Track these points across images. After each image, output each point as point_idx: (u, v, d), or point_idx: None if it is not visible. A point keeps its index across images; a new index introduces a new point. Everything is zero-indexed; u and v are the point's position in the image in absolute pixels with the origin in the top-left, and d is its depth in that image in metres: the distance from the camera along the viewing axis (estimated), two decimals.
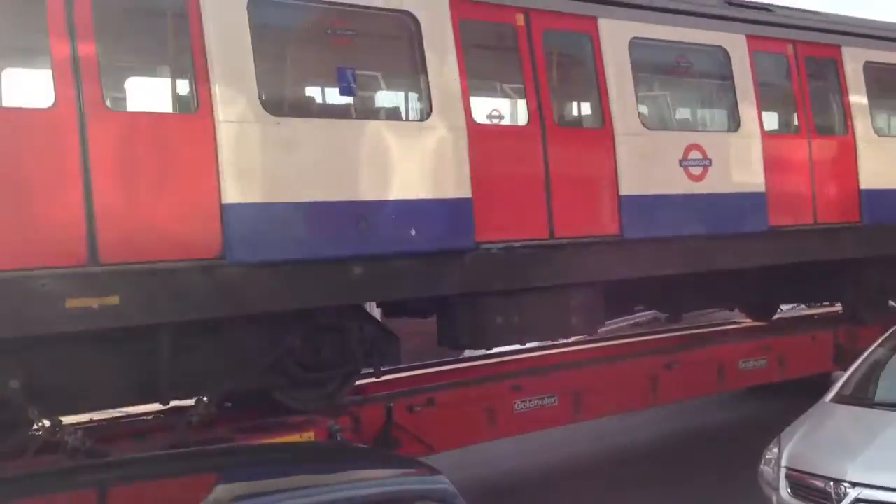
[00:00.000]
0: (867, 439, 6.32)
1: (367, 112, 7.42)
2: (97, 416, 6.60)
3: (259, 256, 6.16)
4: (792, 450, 6.33)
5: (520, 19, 7.78)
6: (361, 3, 6.78)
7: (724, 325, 11.63)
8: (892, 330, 7.51)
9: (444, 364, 8.94)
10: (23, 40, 6.16)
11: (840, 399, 6.94)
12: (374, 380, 7.58)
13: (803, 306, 13.22)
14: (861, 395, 6.92)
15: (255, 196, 6.15)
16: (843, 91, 10.11)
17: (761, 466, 6.56)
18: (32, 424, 5.83)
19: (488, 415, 7.75)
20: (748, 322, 11.74)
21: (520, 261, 7.45)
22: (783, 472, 6.26)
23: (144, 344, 6.02)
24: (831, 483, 5.88)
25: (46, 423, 5.75)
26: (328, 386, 7.08)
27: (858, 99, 10.16)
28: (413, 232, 6.78)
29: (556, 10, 8.02)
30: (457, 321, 7.57)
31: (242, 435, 6.35)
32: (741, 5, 9.59)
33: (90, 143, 5.56)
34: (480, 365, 8.93)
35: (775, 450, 6.47)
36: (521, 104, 7.87)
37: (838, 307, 11.74)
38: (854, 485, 5.77)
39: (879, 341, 7.47)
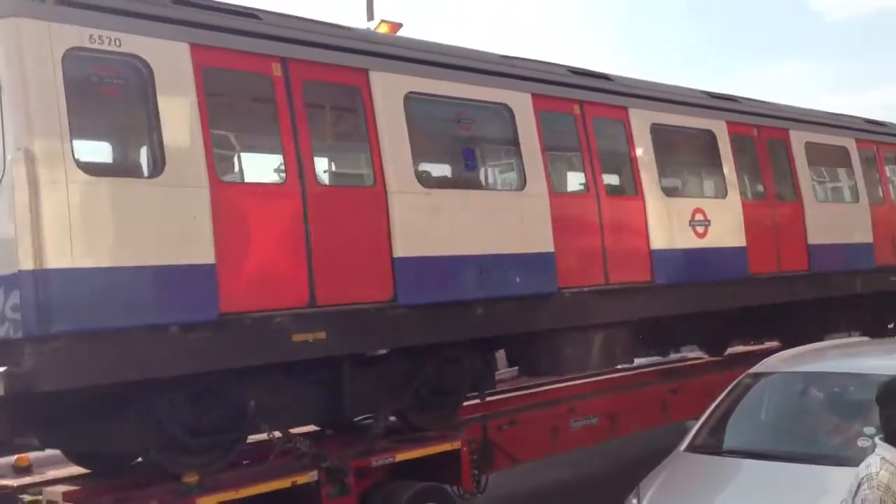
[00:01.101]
0: (718, 487, 6.49)
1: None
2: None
3: (420, 300, 7.64)
4: (650, 500, 6.34)
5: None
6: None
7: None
8: (739, 378, 7.60)
9: (511, 391, 10.61)
10: (261, 137, 7.98)
11: (693, 448, 6.97)
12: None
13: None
14: (712, 444, 6.99)
15: (416, 251, 7.61)
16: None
17: None
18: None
19: (552, 432, 9.51)
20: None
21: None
22: None
23: (329, 373, 7.46)
24: None
25: (277, 433, 7.06)
26: (445, 408, 8.53)
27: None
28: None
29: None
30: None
31: (402, 446, 7.88)
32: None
33: (309, 211, 7.00)
34: (542, 391, 10.70)
35: (634, 500, 6.45)
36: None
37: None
38: None
39: (727, 390, 7.55)
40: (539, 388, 10.81)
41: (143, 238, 6.19)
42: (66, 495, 6.83)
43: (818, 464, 6.25)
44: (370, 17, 14.84)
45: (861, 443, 6.18)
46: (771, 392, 7.56)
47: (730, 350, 14.13)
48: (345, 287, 7.26)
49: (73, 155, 5.96)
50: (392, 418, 8.27)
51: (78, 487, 7.03)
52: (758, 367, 7.75)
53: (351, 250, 7.33)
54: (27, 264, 5.67)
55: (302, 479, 6.82)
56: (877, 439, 3.97)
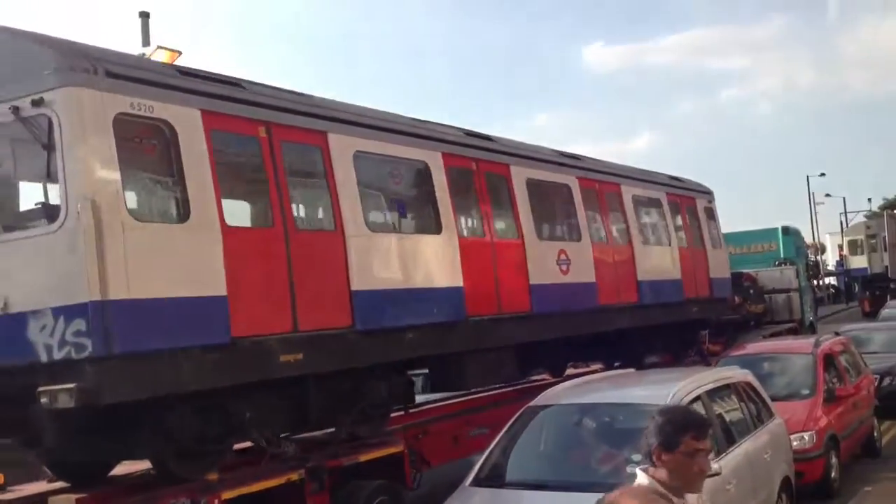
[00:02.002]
0: None
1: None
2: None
3: (371, 325, 9.13)
4: None
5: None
6: None
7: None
8: (521, 411, 7.98)
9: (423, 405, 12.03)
10: (252, 188, 9.05)
11: (477, 482, 7.20)
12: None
13: None
14: (495, 476, 7.25)
15: (369, 285, 9.12)
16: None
17: None
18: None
19: (454, 440, 10.97)
20: None
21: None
22: None
23: (298, 388, 8.70)
24: None
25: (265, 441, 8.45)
26: (378, 420, 9.95)
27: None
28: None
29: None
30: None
31: (359, 450, 9.38)
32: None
33: (291, 251, 8.35)
34: (445, 405, 12.20)
35: None
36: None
37: None
38: None
39: (510, 423, 7.89)
40: (444, 402, 12.36)
41: (177, 274, 7.36)
42: (79, 501, 7.74)
43: (591, 491, 6.37)
44: (146, 42, 14.89)
45: (630, 469, 6.41)
46: (549, 423, 7.92)
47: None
48: (316, 315, 8.64)
49: (125, 204, 7.07)
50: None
51: (84, 495, 7.90)
52: (537, 400, 8.14)
53: (318, 282, 8.73)
54: (94, 296, 6.71)
55: (294, 477, 8.14)
56: (638, 469, 3.78)
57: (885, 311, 25.62)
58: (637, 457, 6.41)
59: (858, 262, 55.17)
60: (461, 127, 12.02)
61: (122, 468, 8.97)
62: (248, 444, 8.77)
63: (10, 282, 7.05)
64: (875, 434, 13.28)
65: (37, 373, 6.93)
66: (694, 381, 8.08)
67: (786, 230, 27.48)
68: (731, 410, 8.58)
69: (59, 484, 8.62)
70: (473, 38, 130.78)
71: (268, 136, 8.55)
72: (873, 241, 52.73)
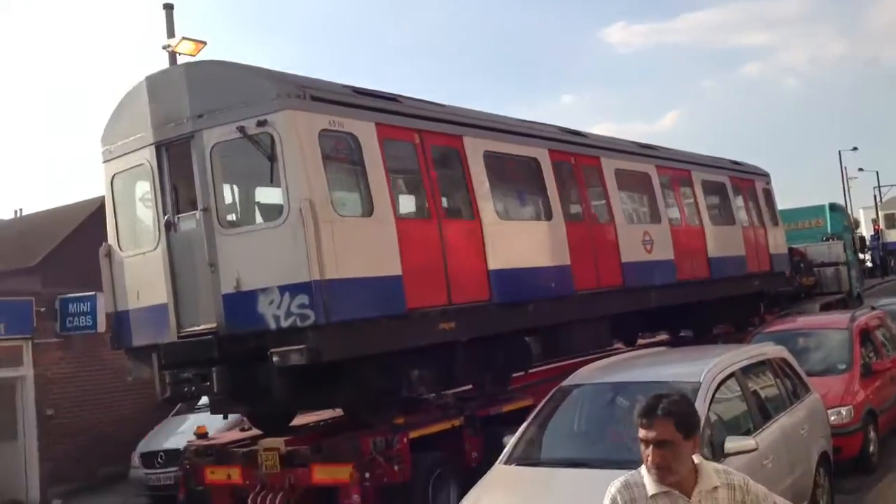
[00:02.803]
0: (534, 496, 6.74)
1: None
2: None
3: (508, 298, 10.81)
4: None
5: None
6: None
7: None
8: (553, 391, 8.08)
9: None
10: (411, 185, 10.86)
11: (510, 461, 7.22)
12: None
13: None
14: (528, 456, 7.25)
15: (501, 265, 10.73)
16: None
17: None
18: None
19: None
20: None
21: None
22: None
23: (448, 352, 10.30)
24: None
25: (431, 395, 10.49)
26: (505, 380, 11.86)
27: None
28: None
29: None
30: None
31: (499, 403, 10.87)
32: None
33: (443, 237, 10.08)
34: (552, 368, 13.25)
35: None
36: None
37: None
38: None
39: (542, 403, 8.01)
40: (552, 365, 13.59)
41: (367, 258, 9.10)
42: (287, 442, 9.54)
43: (626, 468, 7.21)
44: (170, 33, 16.36)
45: None
46: (582, 402, 7.92)
47: None
48: (464, 290, 10.35)
49: (332, 202, 8.82)
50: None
51: (290, 437, 9.70)
52: (569, 380, 8.15)
53: (463, 264, 10.44)
54: (315, 276, 8.46)
55: (456, 423, 9.88)
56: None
57: None
58: None
59: (895, 235, 56.00)
60: (557, 125, 13.63)
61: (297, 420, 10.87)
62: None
63: (242, 266, 8.83)
64: None
65: (265, 338, 8.73)
66: (728, 358, 8.03)
67: (833, 206, 28.82)
68: (766, 387, 8.51)
69: (254, 432, 10.49)
70: (497, 22, 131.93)
71: (420, 142, 10.26)
72: None
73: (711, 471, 3.50)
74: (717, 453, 6.45)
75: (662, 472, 3.40)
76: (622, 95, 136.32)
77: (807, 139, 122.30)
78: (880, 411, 11.26)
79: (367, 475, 8.95)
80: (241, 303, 8.84)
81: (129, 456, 13.96)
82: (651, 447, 3.42)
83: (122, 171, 9.89)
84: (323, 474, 9.26)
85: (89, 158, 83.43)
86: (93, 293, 15.01)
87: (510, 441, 7.48)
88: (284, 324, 8.61)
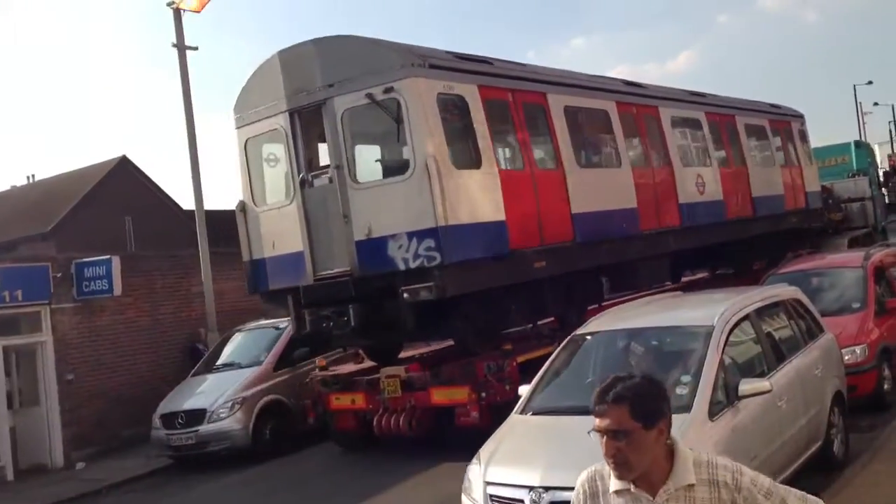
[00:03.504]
0: (553, 445, 6.64)
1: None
2: None
3: (595, 237, 12.21)
4: (490, 464, 6.48)
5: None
6: None
7: None
8: (566, 341, 8.14)
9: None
10: (506, 139, 11.88)
11: (526, 411, 7.25)
12: None
13: None
14: (544, 405, 7.21)
15: (584, 208, 11.95)
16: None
17: (464, 483, 6.65)
18: None
19: None
20: None
21: None
22: (484, 487, 6.37)
23: (538, 287, 11.60)
24: (527, 491, 6.01)
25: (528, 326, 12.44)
26: (583, 311, 12.40)
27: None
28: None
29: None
30: None
31: None
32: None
33: (536, 186, 11.43)
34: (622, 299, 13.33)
35: (476, 467, 6.60)
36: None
37: None
38: (547, 489, 5.91)
39: (556, 353, 8.07)
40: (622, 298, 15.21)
41: (478, 205, 10.41)
42: (407, 369, 10.98)
43: None
44: None
45: (679, 391, 6.48)
46: (596, 350, 7.91)
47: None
48: (551, 233, 11.65)
49: (449, 156, 10.10)
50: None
51: (408, 365, 11.14)
52: (582, 329, 8.19)
53: (552, 208, 11.73)
54: (440, 222, 9.78)
55: (551, 349, 11.23)
56: None
57: None
58: (686, 377, 6.66)
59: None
60: (622, 79, 14.80)
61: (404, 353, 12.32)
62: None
63: (372, 216, 10.16)
64: None
65: (394, 278, 10.09)
66: (741, 300, 8.00)
67: (858, 144, 29.93)
68: (779, 328, 8.48)
69: (369, 364, 11.93)
70: None
71: (512, 100, 11.49)
72: None
73: (690, 464, 2.96)
74: (732, 396, 6.60)
75: (619, 468, 2.91)
76: (633, 37, 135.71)
77: (822, 74, 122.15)
78: (895, 348, 11.17)
79: (483, 395, 10.38)
80: (372, 248, 10.21)
81: (150, 418, 13.79)
82: (605, 437, 2.91)
83: (256, 136, 11.18)
84: (441, 396, 10.71)
85: (96, 119, 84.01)
86: (108, 257, 15.21)
87: (525, 391, 7.53)
88: (413, 265, 9.97)
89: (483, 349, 11.02)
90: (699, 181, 15.67)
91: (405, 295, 9.92)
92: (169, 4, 16.60)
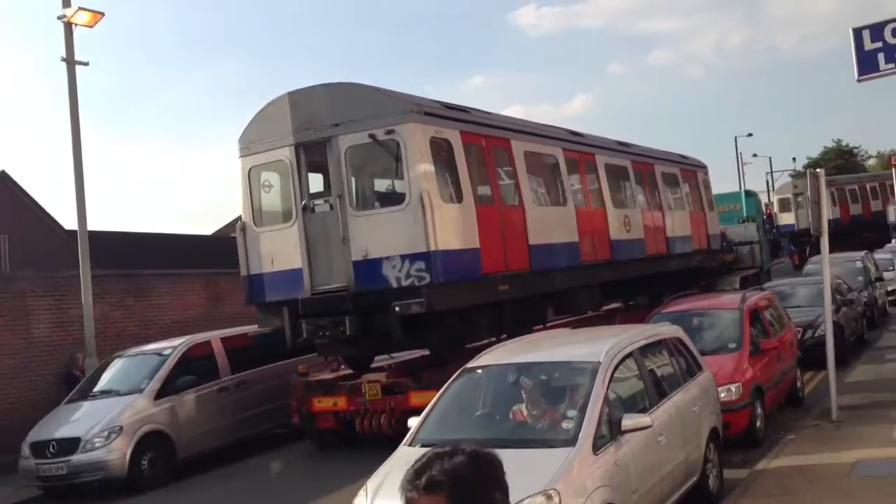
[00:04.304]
0: None
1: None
2: None
3: (547, 266, 13.88)
4: (377, 497, 6.44)
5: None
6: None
7: None
8: (458, 372, 8.18)
9: None
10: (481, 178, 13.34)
11: (416, 442, 7.20)
12: None
13: None
14: (433, 438, 7.06)
15: (539, 241, 13.62)
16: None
17: None
18: None
19: None
20: None
21: None
22: None
23: (497, 308, 13.27)
24: None
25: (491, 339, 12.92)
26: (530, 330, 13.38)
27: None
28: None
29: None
30: None
31: None
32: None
33: (503, 219, 13.09)
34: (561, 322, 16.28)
35: (362, 498, 6.57)
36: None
37: None
38: None
39: (447, 385, 8.05)
40: (559, 321, 17.12)
41: (461, 234, 12.07)
42: (387, 375, 12.44)
43: (530, 447, 6.64)
44: (66, 3, 15.75)
45: (566, 424, 6.71)
46: (487, 384, 8.06)
47: None
48: (513, 261, 13.40)
49: (438, 192, 11.73)
50: None
51: (388, 372, 12.61)
52: (474, 362, 8.25)
53: (514, 240, 13.49)
54: (430, 247, 11.38)
55: None
56: None
57: (808, 267, 26.27)
58: (573, 412, 6.90)
59: (787, 218, 61.42)
60: (566, 128, 16.82)
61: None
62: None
63: (368, 239, 11.66)
64: (798, 384, 13.44)
65: (386, 294, 11.60)
66: (626, 338, 8.22)
67: (748, 193, 33.20)
68: (662, 365, 8.72)
69: (347, 371, 13.34)
70: (403, 2, 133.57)
71: (485, 144, 13.24)
72: (800, 198, 58.98)
73: None
74: (615, 430, 6.87)
75: None
76: (532, 78, 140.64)
77: (706, 125, 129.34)
78: (767, 388, 11.60)
79: None
80: (367, 268, 11.71)
81: (19, 446, 12.77)
82: None
83: (260, 165, 12.55)
84: (419, 398, 12.14)
85: None
86: None
87: (415, 423, 7.55)
88: (405, 283, 11.53)
89: (454, 358, 12.55)
90: (626, 221, 17.77)
91: (397, 308, 11.44)
92: (60, 18, 15.99)
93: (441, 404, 7.77)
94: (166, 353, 13.81)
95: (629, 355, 7.90)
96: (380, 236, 11.71)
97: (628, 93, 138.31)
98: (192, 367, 13.86)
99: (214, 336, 14.77)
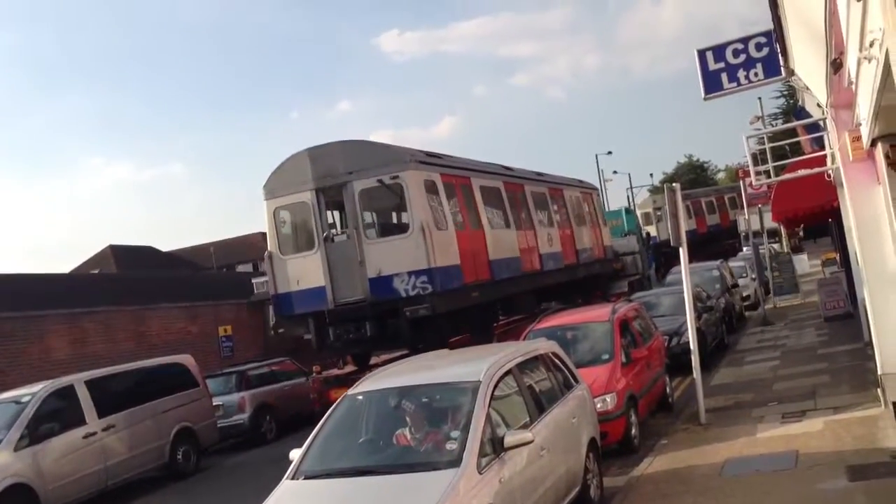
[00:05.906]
0: None
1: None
2: None
3: (501, 276, 16.61)
4: None
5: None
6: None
7: None
8: (339, 400, 8.13)
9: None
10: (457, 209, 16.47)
11: (298, 475, 7.14)
12: None
13: None
14: (316, 469, 7.12)
15: (496, 256, 16.14)
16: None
17: None
18: None
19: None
20: None
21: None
22: None
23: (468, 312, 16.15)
24: None
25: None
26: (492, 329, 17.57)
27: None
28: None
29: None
30: None
31: None
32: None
33: (472, 240, 15.81)
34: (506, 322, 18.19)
35: None
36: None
37: None
38: None
39: (329, 413, 7.94)
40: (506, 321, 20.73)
41: (449, 254, 15.55)
42: None
43: (415, 471, 6.67)
44: None
45: (450, 446, 6.81)
46: (368, 409, 7.94)
47: None
48: (481, 273, 16.96)
49: (433, 222, 15.22)
50: None
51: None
52: (354, 388, 8.13)
53: (479, 257, 17.07)
54: (431, 265, 14.82)
55: None
56: None
57: (669, 277, 27.84)
58: (456, 433, 6.91)
59: (651, 231, 67.69)
60: (503, 164, 20.64)
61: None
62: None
63: (381, 261, 14.95)
64: (667, 390, 13.94)
65: (396, 303, 14.89)
66: (504, 356, 8.34)
67: (627, 210, 37.99)
68: (540, 380, 8.87)
69: (352, 368, 16.54)
70: (267, 28, 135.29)
71: (455, 182, 16.82)
72: (659, 212, 65.25)
73: None
74: (498, 448, 6.95)
75: None
76: (400, 102, 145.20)
77: (569, 144, 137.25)
78: (640, 396, 11.95)
79: None
80: (381, 283, 15.00)
81: None
82: None
83: (284, 206, 15.65)
84: None
85: None
86: None
87: (296, 455, 7.40)
88: (412, 293, 14.86)
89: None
90: (549, 237, 21.66)
91: (407, 313, 14.77)
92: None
93: (323, 433, 7.66)
94: (24, 399, 13.09)
95: (508, 373, 8.06)
96: (390, 257, 15.02)
97: (494, 114, 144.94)
98: (55, 414, 13.23)
99: (77, 379, 14.19)
